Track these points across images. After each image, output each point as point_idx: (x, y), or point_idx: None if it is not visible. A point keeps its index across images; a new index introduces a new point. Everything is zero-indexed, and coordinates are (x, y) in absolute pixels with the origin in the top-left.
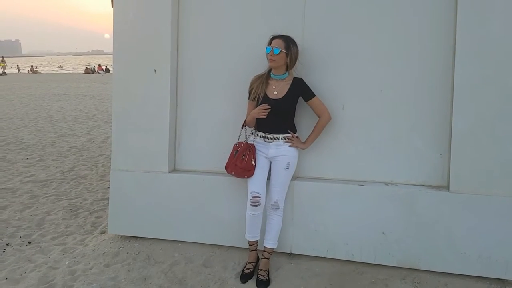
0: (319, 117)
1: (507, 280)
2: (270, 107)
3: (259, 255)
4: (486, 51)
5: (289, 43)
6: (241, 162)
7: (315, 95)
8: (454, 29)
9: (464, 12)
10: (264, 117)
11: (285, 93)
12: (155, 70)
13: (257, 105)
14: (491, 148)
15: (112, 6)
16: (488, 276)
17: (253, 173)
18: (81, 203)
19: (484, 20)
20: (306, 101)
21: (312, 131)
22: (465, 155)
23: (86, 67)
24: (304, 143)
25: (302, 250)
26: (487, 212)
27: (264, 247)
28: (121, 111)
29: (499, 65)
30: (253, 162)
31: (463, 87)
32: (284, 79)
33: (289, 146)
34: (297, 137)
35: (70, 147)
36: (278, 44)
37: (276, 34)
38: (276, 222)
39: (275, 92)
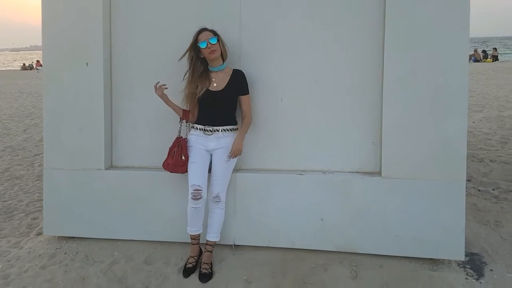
0: (242, 117)
1: (438, 259)
2: (165, 85)
3: (202, 249)
4: (413, 44)
5: (214, 31)
6: (172, 159)
7: (248, 93)
8: (383, 22)
9: (392, 7)
10: (160, 93)
11: (225, 84)
12: (87, 64)
13: (197, 99)
14: (419, 136)
15: None
16: (420, 257)
17: (185, 169)
18: (16, 204)
19: (411, 14)
20: (239, 95)
21: (239, 132)
22: (395, 142)
23: (23, 64)
24: (236, 143)
25: (245, 241)
26: (416, 196)
27: (207, 240)
28: (52, 107)
29: (426, 58)
30: (182, 158)
31: (391, 79)
32: (223, 70)
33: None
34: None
35: (5, 147)
36: (209, 35)
37: (200, 28)
38: (218, 215)
39: (215, 84)
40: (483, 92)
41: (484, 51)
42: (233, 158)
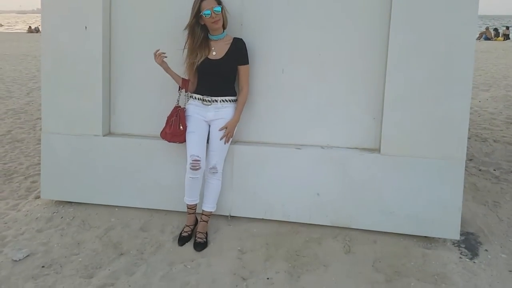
0: (239, 89)
1: (433, 237)
2: (164, 53)
3: (198, 218)
4: (419, 19)
5: None
6: (169, 128)
7: (248, 63)
8: None
9: None
10: (160, 61)
11: (224, 53)
12: (86, 27)
13: (196, 68)
14: (419, 113)
15: None
16: (415, 234)
17: (183, 139)
18: (16, 167)
19: None
20: (238, 64)
21: (235, 113)
22: (395, 119)
23: (29, 26)
24: (232, 122)
25: (241, 213)
26: (414, 174)
27: (203, 210)
28: (50, 71)
29: (431, 34)
30: (180, 128)
31: (396, 53)
32: (223, 38)
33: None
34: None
35: (7, 109)
36: (213, 3)
37: None
38: (215, 186)
39: (214, 53)
40: (492, 71)
41: (495, 30)
42: (226, 142)
